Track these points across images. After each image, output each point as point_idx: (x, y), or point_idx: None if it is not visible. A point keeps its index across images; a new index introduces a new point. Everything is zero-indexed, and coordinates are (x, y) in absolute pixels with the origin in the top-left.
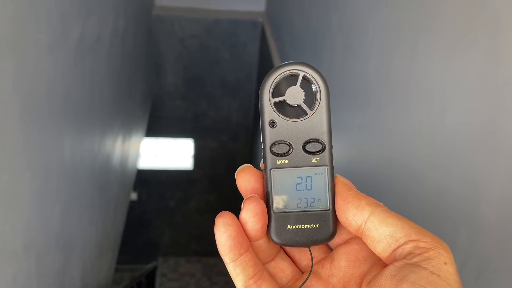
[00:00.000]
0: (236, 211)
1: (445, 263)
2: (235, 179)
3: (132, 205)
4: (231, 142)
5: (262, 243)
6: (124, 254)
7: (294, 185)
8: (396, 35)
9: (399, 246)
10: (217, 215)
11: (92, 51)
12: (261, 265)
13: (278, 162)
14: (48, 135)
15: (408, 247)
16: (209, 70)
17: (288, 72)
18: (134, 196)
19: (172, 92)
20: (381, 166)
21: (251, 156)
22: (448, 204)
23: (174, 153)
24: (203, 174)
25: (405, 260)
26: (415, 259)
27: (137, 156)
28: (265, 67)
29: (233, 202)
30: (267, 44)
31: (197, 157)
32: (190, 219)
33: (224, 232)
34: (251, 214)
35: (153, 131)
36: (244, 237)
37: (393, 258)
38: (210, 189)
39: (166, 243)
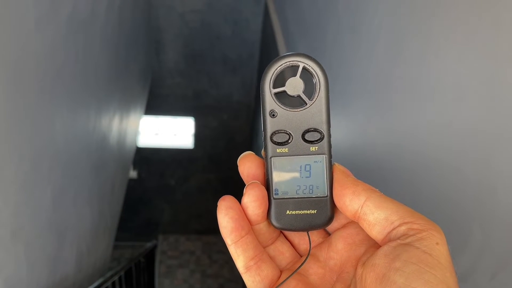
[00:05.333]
0: (237, 191)
1: (437, 244)
2: (236, 163)
3: (132, 183)
4: (232, 120)
5: (262, 227)
6: (125, 232)
7: (294, 173)
8: (407, 15)
9: (393, 229)
10: (220, 198)
11: (85, 26)
12: (261, 248)
13: (278, 150)
14: (37, 115)
15: (402, 229)
16: (210, 47)
17: (288, 63)
18: (134, 174)
19: (172, 69)
20: (388, 152)
21: (252, 135)
22: (460, 195)
23: (174, 132)
24: (204, 152)
25: (398, 241)
26: (408, 240)
27: (136, 134)
28: (268, 45)
29: (233, 181)
30: (270, 20)
31: (198, 136)
32: (190, 198)
33: (226, 214)
34: (252, 199)
35: (153, 109)
36: (245, 220)
37: (388, 240)
38: (211, 167)
39: (166, 221)
